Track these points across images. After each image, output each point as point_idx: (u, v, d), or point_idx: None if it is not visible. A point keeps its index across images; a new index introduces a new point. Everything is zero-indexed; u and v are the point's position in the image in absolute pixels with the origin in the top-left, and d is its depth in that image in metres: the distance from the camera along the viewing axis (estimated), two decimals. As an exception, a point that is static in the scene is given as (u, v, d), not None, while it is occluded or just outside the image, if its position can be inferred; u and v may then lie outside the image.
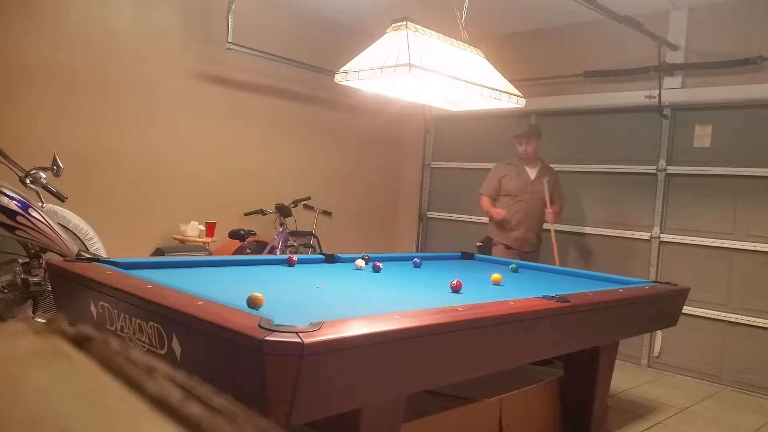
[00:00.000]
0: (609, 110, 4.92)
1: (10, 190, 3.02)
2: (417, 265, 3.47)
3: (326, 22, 5.35)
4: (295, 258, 3.16)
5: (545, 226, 4.62)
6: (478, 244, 4.74)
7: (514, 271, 3.57)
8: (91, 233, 3.69)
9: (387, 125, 5.90)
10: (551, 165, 4.77)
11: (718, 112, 4.41)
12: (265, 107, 5.08)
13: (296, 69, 5.10)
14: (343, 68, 2.79)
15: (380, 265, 3.16)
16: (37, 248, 3.20)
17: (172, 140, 4.55)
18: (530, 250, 4.49)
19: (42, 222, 3.06)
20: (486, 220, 4.81)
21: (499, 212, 4.47)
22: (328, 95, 5.33)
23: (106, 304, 2.03)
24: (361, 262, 3.17)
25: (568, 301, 2.37)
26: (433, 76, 2.60)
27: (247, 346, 1.45)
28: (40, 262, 3.21)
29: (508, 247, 4.51)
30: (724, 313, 4.30)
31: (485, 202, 4.63)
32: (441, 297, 2.47)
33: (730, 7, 4.31)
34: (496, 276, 2.96)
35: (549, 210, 4.40)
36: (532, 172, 4.57)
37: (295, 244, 4.82)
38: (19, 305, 3.21)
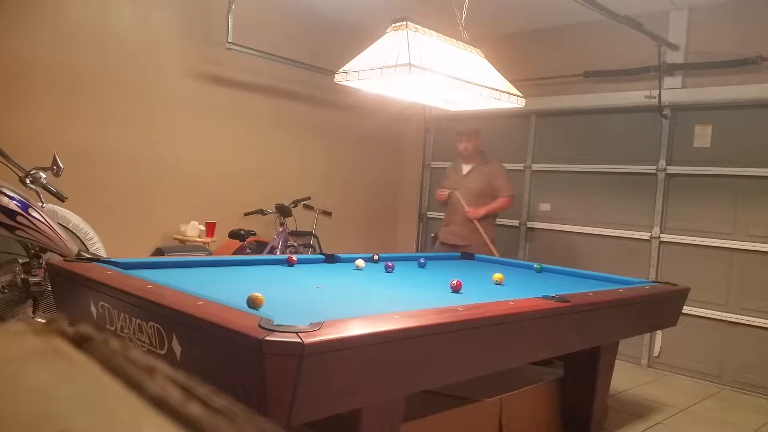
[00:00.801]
0: (609, 110, 4.92)
1: (10, 190, 3.02)
2: (422, 265, 3.48)
3: (326, 22, 5.35)
4: (295, 258, 3.16)
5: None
6: (432, 235, 5.01)
7: (538, 271, 3.60)
8: (91, 233, 3.69)
9: (387, 125, 5.90)
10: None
11: (718, 112, 4.41)
12: (265, 107, 5.08)
13: (296, 69, 5.10)
14: (343, 68, 2.79)
15: (392, 264, 3.19)
16: (37, 248, 3.20)
17: (172, 140, 4.55)
18: (461, 244, 4.52)
19: (42, 222, 3.06)
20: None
21: (441, 191, 4.67)
22: (328, 95, 5.32)
23: (106, 304, 2.03)
24: (361, 262, 3.18)
25: (568, 301, 2.37)
26: (433, 76, 2.60)
27: (247, 346, 1.45)
28: (40, 262, 3.21)
29: (442, 243, 4.68)
30: (724, 313, 4.30)
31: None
32: (441, 297, 2.47)
33: (730, 7, 4.31)
34: (498, 276, 2.96)
35: (466, 209, 4.50)
36: (465, 169, 4.68)
37: (295, 244, 4.82)
38: (19, 305, 3.21)
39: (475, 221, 4.49)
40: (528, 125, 5.45)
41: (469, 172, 4.66)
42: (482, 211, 4.53)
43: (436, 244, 4.83)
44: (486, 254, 4.32)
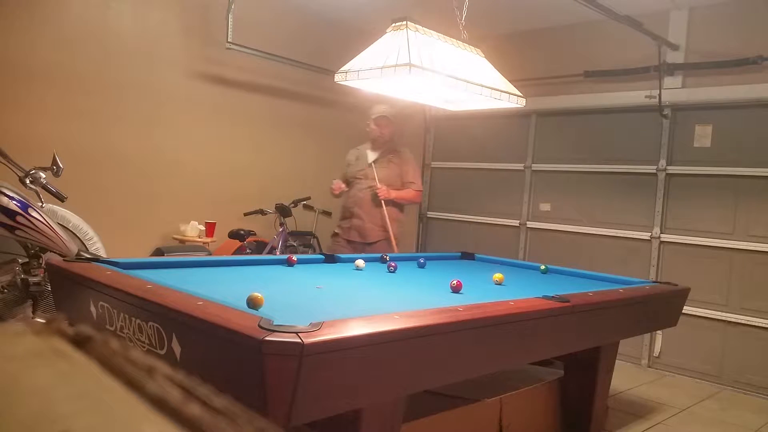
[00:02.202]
0: (609, 110, 4.92)
1: (10, 190, 3.02)
2: (421, 266, 3.48)
3: (326, 22, 5.35)
4: (294, 258, 3.16)
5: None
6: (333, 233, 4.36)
7: (544, 272, 3.60)
8: (91, 233, 3.69)
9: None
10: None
11: (718, 112, 4.41)
12: (265, 107, 5.08)
13: (296, 69, 5.10)
14: (343, 68, 2.79)
15: (395, 264, 3.21)
16: (37, 248, 3.20)
17: (172, 140, 4.55)
18: (373, 241, 4.07)
19: (42, 222, 3.06)
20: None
21: (337, 185, 4.07)
22: (328, 95, 5.32)
23: (105, 304, 2.03)
24: (361, 262, 3.18)
25: (568, 301, 2.37)
26: (433, 76, 2.60)
27: (247, 346, 1.45)
28: (40, 262, 3.21)
29: (350, 242, 4.12)
30: (724, 313, 4.30)
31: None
32: (441, 297, 2.47)
33: (730, 7, 4.31)
34: (498, 276, 2.96)
35: (378, 186, 4.01)
36: (371, 156, 4.14)
37: (295, 244, 4.81)
38: (19, 305, 3.21)
39: (385, 211, 4.02)
40: (528, 125, 5.45)
41: (376, 161, 4.12)
42: (393, 193, 4.05)
43: (339, 243, 4.18)
44: (388, 251, 3.94)
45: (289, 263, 3.11)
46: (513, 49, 5.16)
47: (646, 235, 4.69)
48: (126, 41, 4.26)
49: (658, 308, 3.19)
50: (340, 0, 4.91)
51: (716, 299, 4.34)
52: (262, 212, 4.76)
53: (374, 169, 4.07)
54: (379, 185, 4.04)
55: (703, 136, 4.48)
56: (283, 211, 4.72)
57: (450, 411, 2.34)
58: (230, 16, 4.49)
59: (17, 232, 3.01)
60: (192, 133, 4.66)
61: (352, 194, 4.15)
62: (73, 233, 3.56)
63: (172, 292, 1.89)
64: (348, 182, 4.20)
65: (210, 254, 4.24)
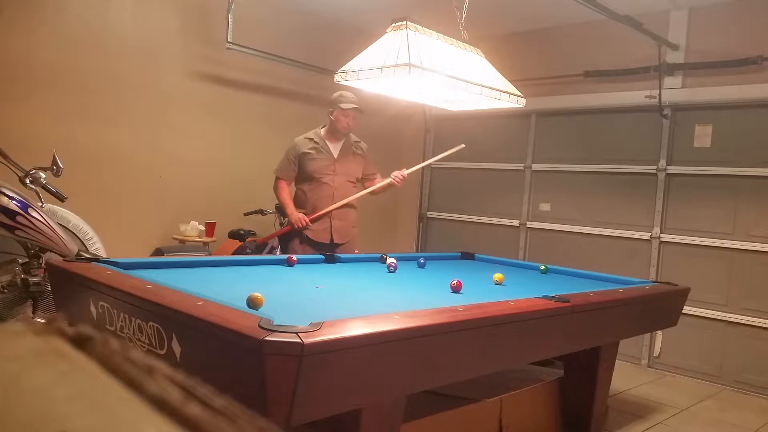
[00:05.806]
0: (609, 110, 4.92)
1: (10, 190, 3.02)
2: (421, 266, 3.48)
3: (326, 22, 5.35)
4: (294, 258, 3.16)
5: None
6: (298, 230, 3.80)
7: (544, 272, 3.58)
8: (91, 233, 3.69)
9: (387, 125, 5.90)
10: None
11: (718, 112, 4.41)
12: (264, 107, 5.08)
13: (296, 69, 5.10)
14: (343, 68, 2.79)
15: (395, 264, 3.21)
16: (37, 248, 3.20)
17: (171, 140, 4.55)
18: (345, 242, 3.88)
19: (42, 222, 3.06)
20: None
21: (300, 218, 3.72)
22: (328, 95, 5.31)
23: (105, 304, 2.03)
24: (393, 261, 3.23)
25: (568, 301, 2.37)
26: (433, 76, 2.60)
27: (247, 346, 1.45)
28: (40, 262, 3.21)
29: (318, 243, 3.77)
30: (724, 313, 4.30)
31: (283, 189, 3.84)
32: (441, 297, 2.47)
33: (730, 7, 4.31)
34: (498, 276, 2.96)
35: (399, 177, 3.87)
36: (335, 149, 3.88)
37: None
38: (19, 305, 3.21)
39: (354, 210, 3.90)
40: (528, 125, 5.45)
41: (340, 154, 3.88)
42: (401, 176, 3.88)
43: (297, 244, 3.78)
44: (350, 251, 3.81)
45: (289, 263, 3.11)
46: (513, 49, 5.16)
47: (646, 235, 4.69)
48: (126, 41, 4.26)
49: (658, 308, 3.19)
50: (340, 0, 4.91)
51: (716, 299, 4.34)
52: (262, 212, 4.76)
53: (342, 163, 3.87)
54: (394, 174, 3.86)
55: (703, 136, 4.48)
56: (282, 211, 4.72)
57: (450, 411, 2.34)
58: (230, 16, 4.49)
59: (17, 232, 3.01)
60: (192, 132, 4.66)
61: (324, 192, 3.79)
62: (73, 233, 3.56)
63: (172, 292, 1.89)
64: (309, 179, 3.81)
65: (210, 254, 4.24)
